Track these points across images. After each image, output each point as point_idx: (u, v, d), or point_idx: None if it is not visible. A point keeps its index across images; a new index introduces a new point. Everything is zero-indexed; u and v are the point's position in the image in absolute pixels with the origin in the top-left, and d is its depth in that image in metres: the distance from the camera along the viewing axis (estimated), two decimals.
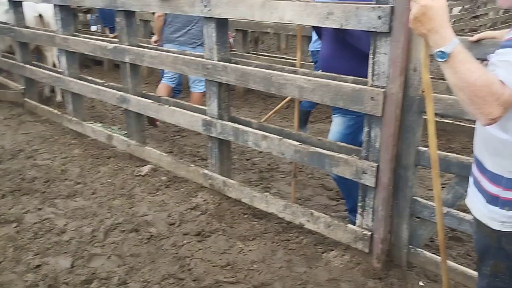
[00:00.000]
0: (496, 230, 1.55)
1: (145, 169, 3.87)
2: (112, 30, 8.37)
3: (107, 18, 8.65)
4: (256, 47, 8.25)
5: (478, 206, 1.63)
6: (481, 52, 1.99)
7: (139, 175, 3.82)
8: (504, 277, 1.62)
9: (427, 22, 1.39)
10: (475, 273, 2.32)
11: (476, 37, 2.04)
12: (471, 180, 1.72)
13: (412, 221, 2.56)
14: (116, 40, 4.02)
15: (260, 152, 4.47)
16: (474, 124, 1.64)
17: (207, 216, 3.18)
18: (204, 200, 3.36)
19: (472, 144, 1.68)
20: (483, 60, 1.77)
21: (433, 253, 2.54)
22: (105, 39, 4.38)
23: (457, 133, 4.41)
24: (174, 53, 3.49)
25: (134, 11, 3.74)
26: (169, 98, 3.91)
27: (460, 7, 8.90)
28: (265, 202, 3.06)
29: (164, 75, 4.96)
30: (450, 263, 2.43)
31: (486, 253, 1.65)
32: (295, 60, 5.64)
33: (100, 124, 4.67)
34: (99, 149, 4.38)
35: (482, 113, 1.32)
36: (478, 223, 1.64)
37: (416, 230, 2.57)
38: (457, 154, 2.38)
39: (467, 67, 1.32)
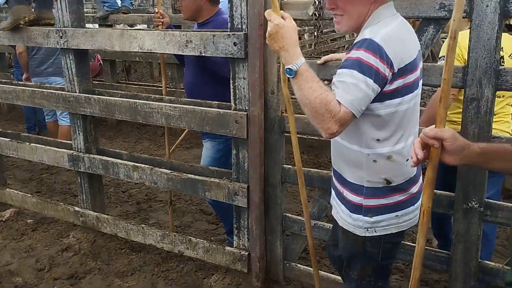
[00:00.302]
0: (361, 236, 1.68)
1: (7, 213, 3.54)
2: None
3: None
4: (128, 76, 8.07)
5: (342, 216, 1.75)
6: (327, 73, 2.17)
7: (0, 221, 3.48)
8: (370, 279, 1.76)
9: (280, 40, 1.50)
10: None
11: (322, 59, 2.22)
12: (333, 192, 1.84)
13: (285, 237, 2.66)
14: None
15: (137, 183, 4.35)
16: None
17: (80, 256, 3.00)
18: (77, 240, 3.16)
19: None
20: (330, 80, 1.93)
21: (308, 266, 2.66)
22: None
23: (323, 148, 4.71)
24: (31, 87, 3.28)
25: None
26: (30, 135, 3.65)
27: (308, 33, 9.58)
28: (142, 234, 2.98)
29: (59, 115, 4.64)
30: (322, 272, 2.56)
31: (353, 258, 1.77)
32: (164, 88, 5.63)
33: None
34: None
35: (322, 127, 1.44)
36: (343, 232, 1.76)
37: (289, 245, 2.67)
38: (324, 168, 2.55)
39: (310, 85, 1.44)
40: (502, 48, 2.38)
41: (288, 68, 1.48)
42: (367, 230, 1.66)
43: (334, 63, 2.19)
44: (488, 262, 2.18)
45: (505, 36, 2.48)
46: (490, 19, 1.86)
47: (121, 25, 6.28)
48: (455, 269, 2.18)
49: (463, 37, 2.12)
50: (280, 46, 1.51)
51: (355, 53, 1.45)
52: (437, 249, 2.35)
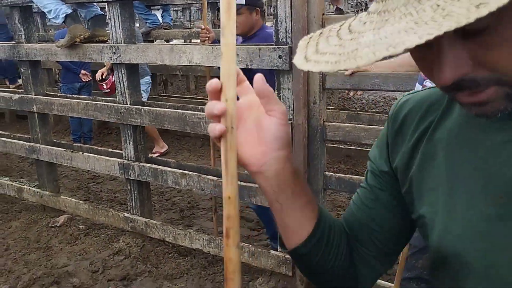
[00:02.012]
0: None
1: (61, 219, 3.76)
2: (12, 80, 8.04)
3: (5, 69, 8.29)
4: (165, 89, 8.33)
5: None
6: (355, 82, 2.31)
7: (55, 226, 3.69)
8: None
9: None
10: (384, 283, 2.56)
11: (350, 70, 2.35)
12: None
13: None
14: (20, 90, 3.93)
15: (179, 191, 4.52)
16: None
17: (131, 260, 3.16)
18: (127, 244, 3.34)
19: None
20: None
21: None
22: (8, 90, 4.26)
23: (360, 157, 4.79)
24: (85, 100, 3.50)
25: (39, 61, 3.71)
26: (82, 145, 3.87)
27: None
28: (189, 238, 3.12)
29: None
30: None
31: (422, 249, 1.89)
32: (205, 99, 5.82)
33: (7, 178, 4.45)
34: (8, 204, 4.17)
35: None
36: None
37: None
38: (362, 175, 2.64)
39: None
40: None
41: None
42: None
43: (361, 73, 2.32)
44: None
45: None
46: None
47: (160, 40, 6.54)
48: None
49: None
50: None
51: None
52: None
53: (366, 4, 3.06)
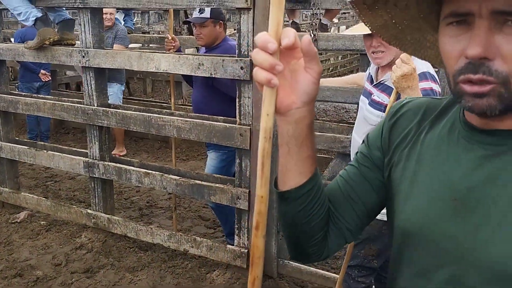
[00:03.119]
0: (380, 220, 2.07)
1: (21, 215, 3.84)
2: None
3: None
4: (129, 93, 8.43)
5: None
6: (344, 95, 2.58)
7: (15, 222, 3.78)
8: (372, 258, 2.16)
9: (411, 80, 1.82)
10: (332, 275, 2.85)
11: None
12: None
13: (279, 236, 3.03)
14: None
15: (138, 191, 4.69)
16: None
17: (93, 254, 3.32)
18: (89, 239, 3.48)
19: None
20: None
21: (298, 263, 3.03)
22: None
23: (323, 163, 5.12)
24: (51, 100, 3.62)
25: (4, 60, 3.79)
26: (45, 143, 3.97)
27: None
28: (150, 234, 3.31)
29: None
30: (312, 268, 2.93)
31: (367, 239, 2.16)
32: (163, 103, 6.01)
33: None
34: None
35: None
36: None
37: (282, 244, 3.04)
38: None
39: None
40: None
41: None
42: (384, 215, 2.07)
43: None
44: None
45: None
46: None
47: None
48: None
49: None
50: (409, 85, 1.82)
51: (428, 85, 1.92)
52: None
53: (320, 20, 3.36)
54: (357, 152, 1.00)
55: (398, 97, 1.88)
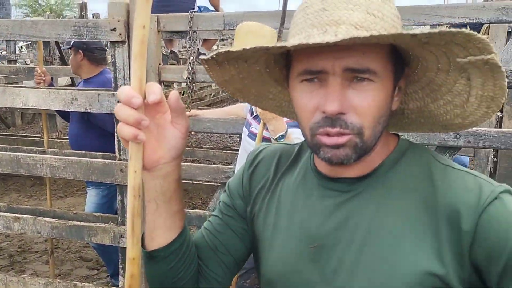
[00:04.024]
0: None
1: None
2: None
3: None
4: None
5: None
6: (200, 126, 2.59)
7: None
8: (258, 287, 2.17)
9: None
10: None
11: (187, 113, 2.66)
12: None
13: None
14: None
15: (8, 235, 4.26)
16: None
17: None
18: None
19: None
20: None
21: None
22: None
23: (196, 191, 5.09)
24: None
25: None
26: None
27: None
28: (22, 284, 3.01)
29: None
30: None
31: (251, 269, 2.17)
32: (36, 137, 5.59)
33: None
34: None
35: None
36: None
37: None
38: (199, 209, 2.91)
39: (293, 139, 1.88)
40: None
41: (281, 135, 1.88)
42: None
43: (194, 118, 2.66)
44: None
45: None
46: None
47: None
48: None
49: None
50: (273, 116, 1.86)
51: None
52: None
53: (199, 50, 3.41)
54: (219, 202, 1.00)
55: (266, 128, 1.96)
